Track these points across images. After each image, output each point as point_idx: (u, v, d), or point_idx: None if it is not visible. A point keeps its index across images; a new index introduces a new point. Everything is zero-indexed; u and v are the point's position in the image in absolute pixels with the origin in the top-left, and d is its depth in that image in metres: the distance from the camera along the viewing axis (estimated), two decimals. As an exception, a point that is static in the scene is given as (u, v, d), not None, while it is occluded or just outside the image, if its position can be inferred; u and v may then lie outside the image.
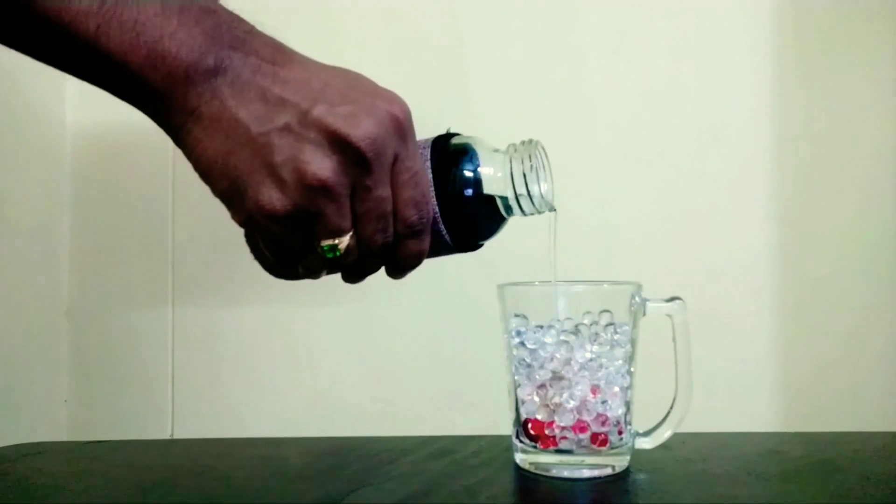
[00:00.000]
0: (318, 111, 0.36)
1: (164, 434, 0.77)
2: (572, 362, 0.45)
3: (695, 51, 0.73)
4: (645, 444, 0.47)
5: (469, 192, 0.43)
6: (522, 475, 0.46)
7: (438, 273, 0.74)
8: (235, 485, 0.47)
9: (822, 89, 0.72)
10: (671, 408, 0.47)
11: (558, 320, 0.45)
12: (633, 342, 0.47)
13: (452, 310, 0.75)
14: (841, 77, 0.72)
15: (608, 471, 0.46)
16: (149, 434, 0.75)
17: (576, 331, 0.45)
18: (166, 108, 0.36)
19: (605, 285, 0.48)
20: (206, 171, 0.37)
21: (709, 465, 0.48)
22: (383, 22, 0.76)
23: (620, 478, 0.46)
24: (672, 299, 0.47)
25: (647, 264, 0.72)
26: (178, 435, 0.77)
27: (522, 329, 0.46)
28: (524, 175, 0.43)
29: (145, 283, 0.78)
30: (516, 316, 0.47)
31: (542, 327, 0.46)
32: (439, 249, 0.43)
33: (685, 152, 0.73)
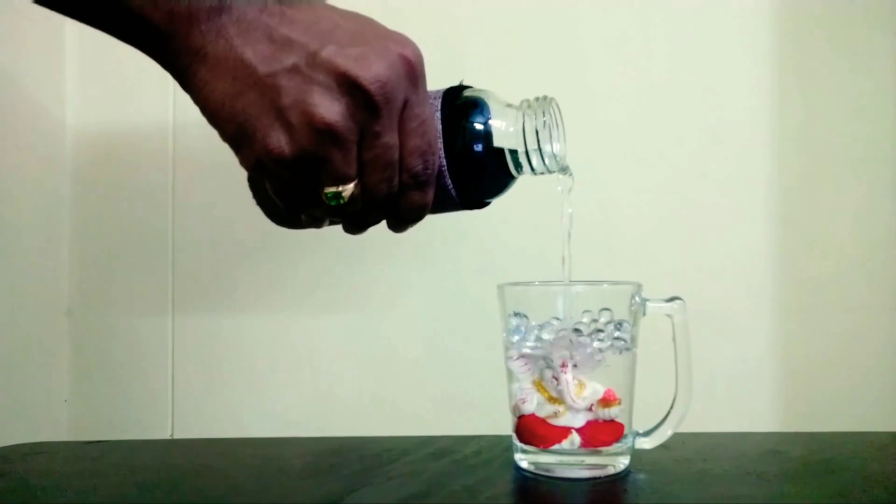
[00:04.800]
0: (328, 52, 0.35)
1: (164, 434, 0.77)
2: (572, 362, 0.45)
3: (695, 51, 0.73)
4: (645, 444, 0.47)
5: (478, 146, 0.41)
6: (522, 475, 0.46)
7: (438, 273, 0.74)
8: (235, 485, 0.47)
9: (822, 89, 0.72)
10: (671, 408, 0.47)
11: (558, 319, 0.45)
12: (633, 342, 0.47)
13: (452, 310, 0.75)
14: (841, 77, 0.72)
15: (608, 471, 0.46)
16: (149, 434, 0.75)
17: (576, 330, 0.45)
18: (170, 49, 0.34)
19: (605, 285, 0.48)
20: (213, 114, 0.36)
21: (709, 465, 0.48)
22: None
23: (620, 478, 0.46)
24: (672, 299, 0.47)
25: (647, 264, 0.72)
26: (178, 435, 0.77)
27: (522, 329, 0.46)
28: (536, 131, 0.41)
29: (145, 283, 0.78)
30: (516, 315, 0.47)
31: (542, 327, 0.46)
32: (444, 205, 0.42)
33: (685, 152, 0.73)
